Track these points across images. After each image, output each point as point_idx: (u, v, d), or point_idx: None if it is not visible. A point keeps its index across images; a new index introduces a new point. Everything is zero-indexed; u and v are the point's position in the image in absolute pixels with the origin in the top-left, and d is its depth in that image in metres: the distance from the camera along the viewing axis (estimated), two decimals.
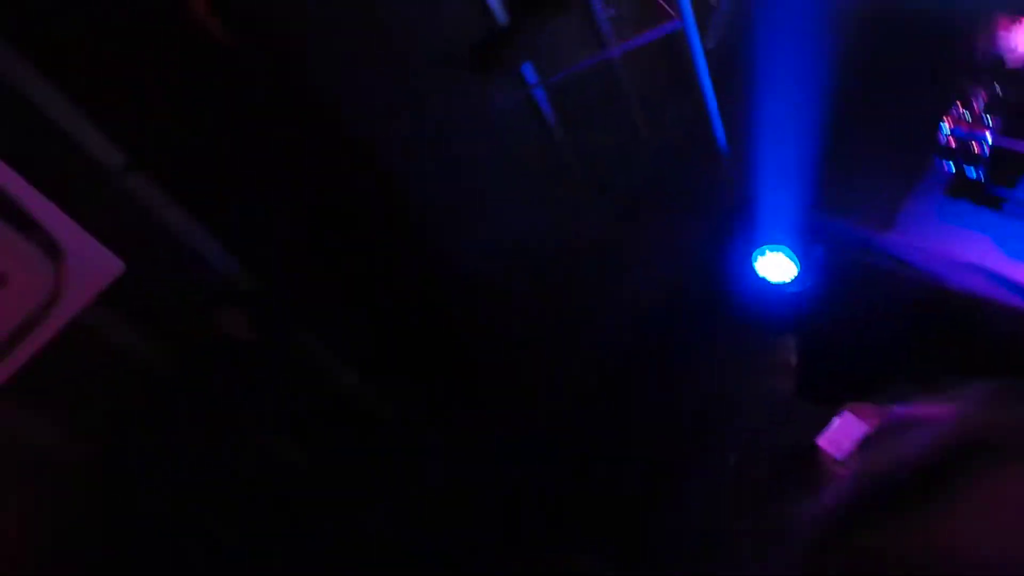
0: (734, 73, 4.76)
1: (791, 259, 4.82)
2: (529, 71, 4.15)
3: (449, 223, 3.80)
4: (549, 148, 4.47)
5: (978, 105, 4.73)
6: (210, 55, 2.78)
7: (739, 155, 4.84)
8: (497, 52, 3.85)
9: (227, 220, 3.01)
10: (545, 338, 4.41)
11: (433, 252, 3.73)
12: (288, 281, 3.27)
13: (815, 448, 3.94)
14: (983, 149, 4.75)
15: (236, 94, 2.85)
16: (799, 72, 4.66)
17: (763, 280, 4.86)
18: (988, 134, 4.71)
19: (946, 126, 4.79)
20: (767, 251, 4.86)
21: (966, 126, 4.77)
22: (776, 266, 4.85)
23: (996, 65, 4.65)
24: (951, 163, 4.90)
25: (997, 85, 4.67)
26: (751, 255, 4.82)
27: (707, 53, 4.81)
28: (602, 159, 4.79)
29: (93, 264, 2.81)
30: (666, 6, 4.10)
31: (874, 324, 4.52)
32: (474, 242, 3.92)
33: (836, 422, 4.09)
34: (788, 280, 4.82)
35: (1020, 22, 4.49)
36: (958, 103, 4.76)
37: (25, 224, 2.37)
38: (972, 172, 4.86)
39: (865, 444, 1.50)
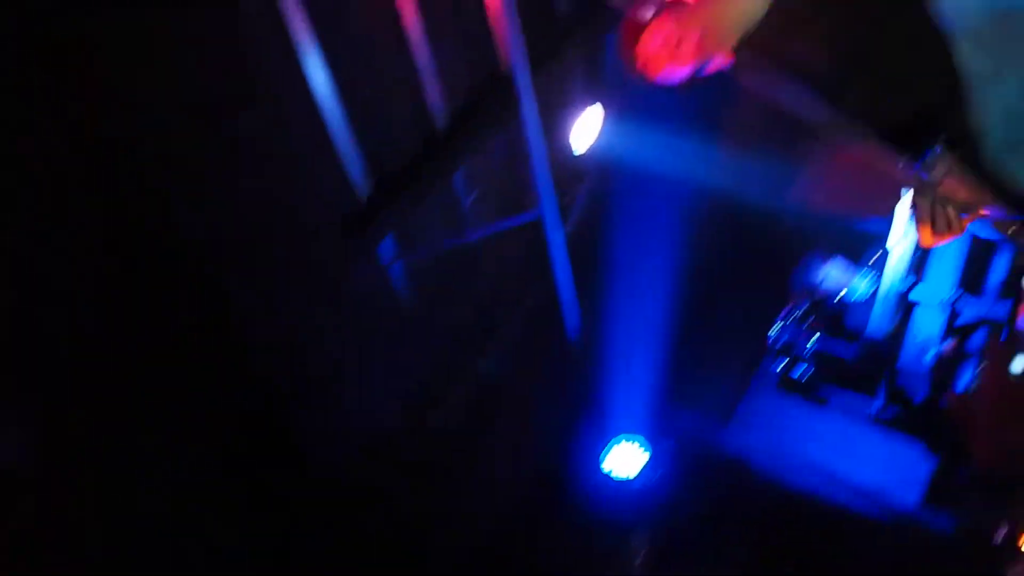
0: (588, 263, 4.90)
1: (641, 451, 4.81)
2: (388, 247, 4.02)
3: (304, 394, 3.47)
4: (405, 324, 4.28)
5: (804, 311, 5.12)
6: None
7: (590, 344, 4.89)
8: (358, 227, 3.71)
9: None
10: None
11: (286, 426, 3.37)
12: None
13: None
14: (808, 350, 5.09)
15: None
16: (649, 268, 4.88)
17: (612, 475, 4.79)
18: (813, 337, 5.06)
19: (777, 328, 5.12)
20: (617, 443, 4.84)
21: (794, 329, 5.11)
22: (626, 459, 4.81)
23: (814, 288, 5.11)
24: (782, 362, 5.19)
25: (818, 293, 5.10)
26: (601, 448, 4.78)
27: (563, 241, 4.95)
28: (456, 340, 4.65)
29: None
30: (526, 196, 4.17)
31: (722, 520, 4.51)
32: (326, 417, 3.60)
33: None
34: (637, 474, 4.79)
35: (829, 261, 5.03)
36: (787, 308, 5.13)
37: None
38: (800, 371, 5.16)
39: None
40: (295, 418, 3.50)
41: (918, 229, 1.94)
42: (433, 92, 4.04)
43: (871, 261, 4.89)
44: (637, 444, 4.88)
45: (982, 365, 4.18)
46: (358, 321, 3.95)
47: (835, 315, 5.14)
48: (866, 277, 4.90)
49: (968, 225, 1.92)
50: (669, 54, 1.99)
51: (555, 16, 4.88)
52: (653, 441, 4.88)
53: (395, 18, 3.74)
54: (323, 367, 3.64)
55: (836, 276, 5.02)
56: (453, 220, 4.50)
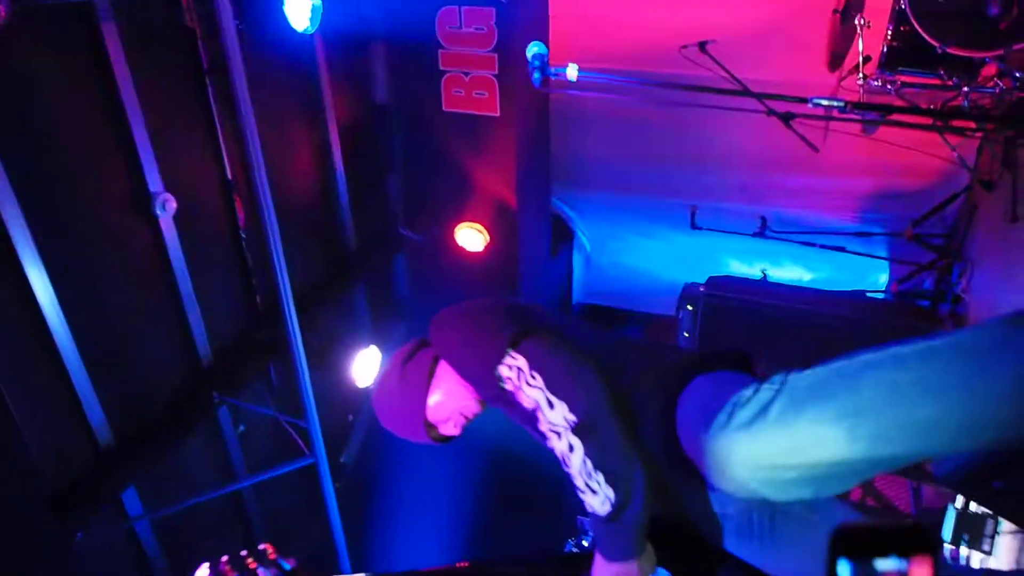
0: (367, 498, 4.64)
1: None
2: (133, 500, 3.57)
3: None
4: None
5: (592, 540, 5.04)
6: None
7: None
8: (92, 482, 3.29)
9: None
10: None
11: None
12: None
13: None
14: None
15: None
16: (430, 504, 4.69)
17: None
18: None
19: (571, 544, 4.99)
20: None
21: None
22: None
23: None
24: None
25: None
26: None
27: (342, 468, 4.68)
28: None
29: None
30: (300, 441, 3.92)
31: None
32: None
33: None
34: None
35: None
36: (572, 538, 5.04)
37: None
38: None
39: None
40: None
41: None
42: (198, 328, 3.82)
43: None
44: None
45: None
46: None
47: None
48: None
49: None
50: (459, 426, 2.06)
51: (342, 252, 4.89)
52: None
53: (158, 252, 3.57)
54: None
55: None
56: (219, 461, 4.14)
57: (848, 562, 0.75)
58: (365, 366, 4.34)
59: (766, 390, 1.42)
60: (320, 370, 4.14)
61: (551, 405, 1.70)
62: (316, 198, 4.72)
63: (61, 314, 3.07)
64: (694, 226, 5.34)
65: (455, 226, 5.19)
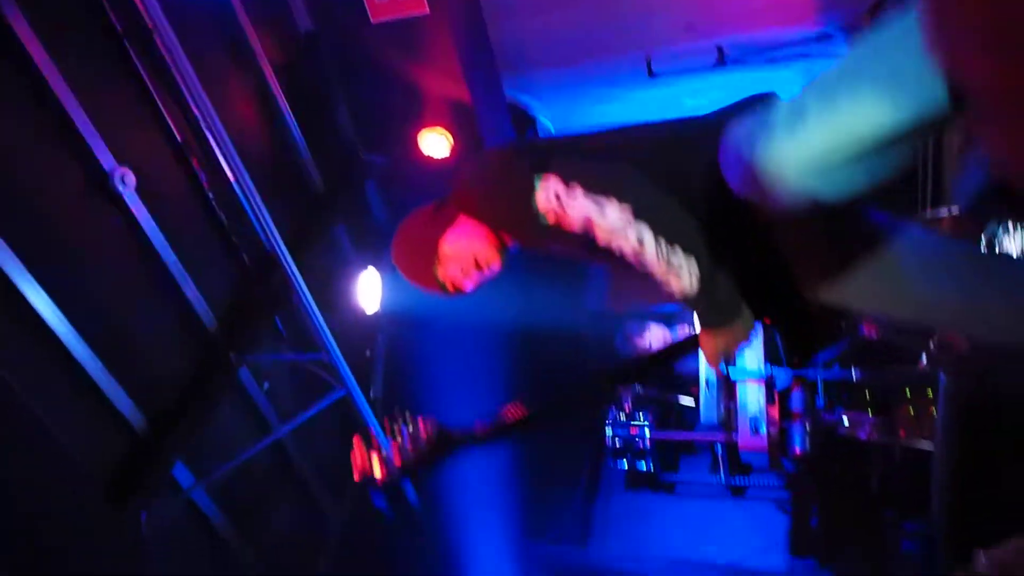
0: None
1: None
2: (183, 473, 3.61)
3: None
4: (222, 552, 3.84)
5: (630, 405, 5.16)
6: None
7: (430, 505, 4.63)
8: (139, 467, 3.31)
9: None
10: None
11: None
12: None
13: None
14: (645, 443, 5.10)
15: None
16: (468, 412, 4.73)
17: None
18: (646, 429, 5.08)
19: (610, 429, 5.11)
20: None
21: (625, 426, 5.12)
22: None
23: (637, 365, 5.16)
24: (623, 461, 5.16)
25: (639, 387, 5.17)
26: None
27: (373, 405, 4.72)
28: (285, 548, 4.23)
29: None
30: (326, 375, 3.93)
31: None
32: None
33: None
34: None
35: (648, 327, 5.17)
36: (614, 407, 5.15)
37: None
38: (643, 465, 5.15)
39: None
40: None
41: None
42: (195, 298, 3.78)
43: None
44: None
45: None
46: (166, 563, 3.50)
47: (663, 403, 5.22)
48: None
49: None
50: (468, 273, 2.05)
51: (310, 192, 4.80)
52: None
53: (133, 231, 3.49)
54: None
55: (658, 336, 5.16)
56: (253, 420, 4.17)
57: None
58: (369, 290, 4.32)
59: (796, 100, 1.38)
60: (325, 311, 4.12)
61: (600, 207, 1.65)
62: (270, 144, 4.59)
63: (63, 319, 3.04)
64: (651, 74, 5.23)
65: (415, 138, 5.08)
